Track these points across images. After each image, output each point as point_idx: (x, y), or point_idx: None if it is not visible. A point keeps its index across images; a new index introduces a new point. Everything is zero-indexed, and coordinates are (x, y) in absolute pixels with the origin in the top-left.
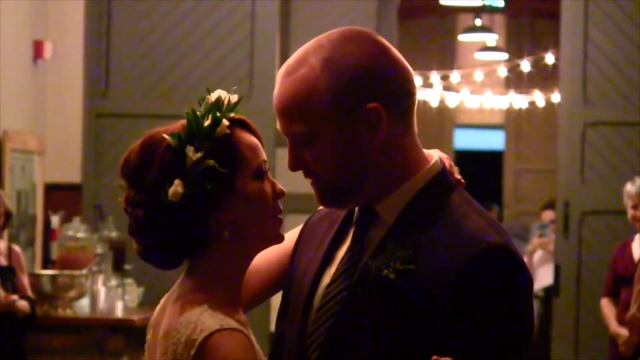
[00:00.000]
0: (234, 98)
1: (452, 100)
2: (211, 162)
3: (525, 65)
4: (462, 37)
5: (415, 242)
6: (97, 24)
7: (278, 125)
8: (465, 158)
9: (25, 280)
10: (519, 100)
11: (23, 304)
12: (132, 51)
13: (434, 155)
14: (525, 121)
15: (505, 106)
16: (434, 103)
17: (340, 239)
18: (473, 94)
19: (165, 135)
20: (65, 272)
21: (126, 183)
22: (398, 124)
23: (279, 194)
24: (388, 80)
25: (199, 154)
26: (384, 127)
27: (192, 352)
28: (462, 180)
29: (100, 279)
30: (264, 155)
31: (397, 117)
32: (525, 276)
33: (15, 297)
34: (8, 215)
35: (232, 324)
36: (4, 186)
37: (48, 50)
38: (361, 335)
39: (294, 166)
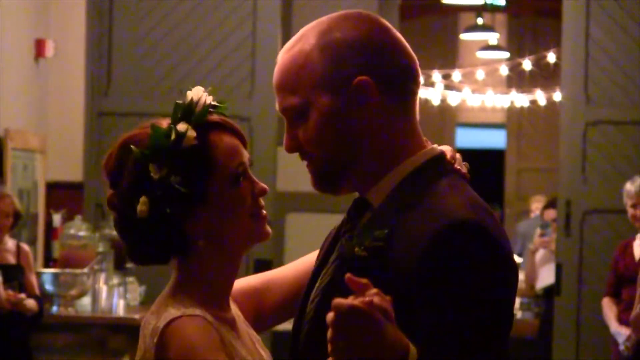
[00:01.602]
0: (209, 99)
1: (453, 99)
2: (177, 179)
3: (527, 64)
4: (464, 36)
5: (391, 224)
6: (98, 23)
7: (276, 105)
8: (466, 157)
9: (33, 278)
10: (520, 99)
11: (31, 303)
12: (134, 50)
13: (439, 147)
14: (527, 120)
15: (506, 105)
16: (436, 102)
17: (340, 233)
18: (475, 93)
19: (132, 147)
20: (67, 270)
21: (107, 182)
22: (392, 104)
23: (259, 193)
24: (383, 57)
25: (163, 172)
26: (374, 103)
27: (155, 340)
28: (463, 171)
29: (102, 278)
30: (241, 157)
31: (390, 96)
32: (495, 255)
33: (22, 295)
34: (17, 215)
35: (196, 311)
36: (5, 184)
37: (50, 48)
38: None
39: (289, 147)
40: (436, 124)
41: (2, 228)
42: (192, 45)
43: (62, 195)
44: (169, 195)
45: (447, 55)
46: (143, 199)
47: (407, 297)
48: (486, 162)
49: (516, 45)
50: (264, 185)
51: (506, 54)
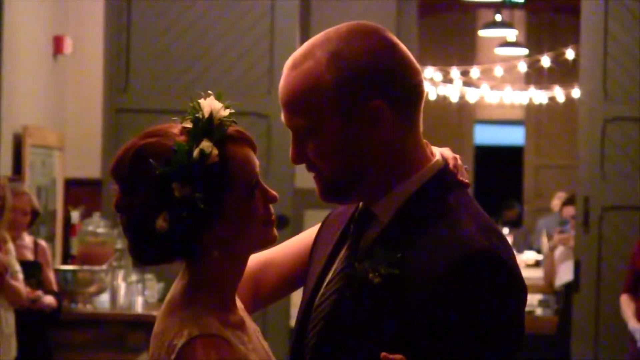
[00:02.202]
0: (224, 113)
1: (472, 96)
2: (199, 195)
3: (546, 61)
4: (482, 33)
5: (404, 246)
6: (117, 19)
7: (282, 117)
8: (485, 154)
9: (51, 275)
10: (539, 96)
11: (49, 299)
12: (152, 47)
13: (437, 154)
14: (546, 117)
15: (525, 102)
16: (454, 98)
17: (345, 237)
18: (493, 90)
19: (153, 163)
20: (85, 267)
21: (116, 185)
22: (402, 122)
23: (270, 200)
24: (394, 78)
25: (186, 190)
26: (386, 125)
27: (172, 357)
28: (466, 181)
29: (121, 275)
30: (255, 167)
31: (401, 115)
32: (511, 285)
33: (39, 292)
34: (35, 213)
35: (213, 329)
36: (24, 181)
37: (68, 45)
38: (350, 338)
39: (296, 159)
40: (455, 120)
41: (19, 225)
42: (211, 42)
43: (81, 192)
44: (191, 211)
45: (465, 52)
46: (164, 214)
47: (421, 325)
48: (505, 159)
49: (535, 41)
50: (275, 193)
51: (525, 51)
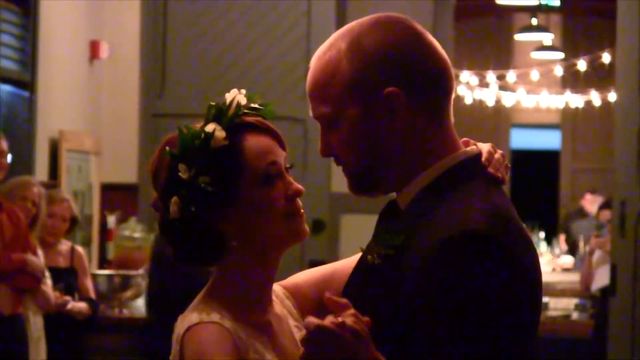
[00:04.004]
0: (243, 100)
1: (508, 100)
2: (206, 179)
3: (582, 65)
4: (519, 37)
5: (409, 230)
6: (153, 24)
7: (309, 111)
8: (521, 158)
9: (87, 281)
10: (575, 100)
11: (79, 306)
12: (189, 51)
13: (474, 146)
14: (582, 121)
15: (561, 105)
16: (490, 102)
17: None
18: (529, 94)
19: (166, 149)
20: (122, 272)
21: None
22: (423, 112)
23: (293, 194)
24: (413, 67)
25: (192, 171)
26: (403, 113)
27: (177, 348)
28: (497, 175)
29: None
30: (274, 157)
31: (420, 103)
32: (503, 270)
33: (68, 298)
34: (74, 220)
35: (214, 317)
36: (60, 186)
37: (104, 50)
38: (360, 311)
39: (323, 151)
40: (491, 124)
41: (57, 232)
42: (247, 46)
43: (117, 196)
44: (198, 195)
45: (501, 56)
46: (174, 199)
47: (412, 307)
48: (541, 163)
49: (571, 45)
50: (299, 186)
51: (561, 55)
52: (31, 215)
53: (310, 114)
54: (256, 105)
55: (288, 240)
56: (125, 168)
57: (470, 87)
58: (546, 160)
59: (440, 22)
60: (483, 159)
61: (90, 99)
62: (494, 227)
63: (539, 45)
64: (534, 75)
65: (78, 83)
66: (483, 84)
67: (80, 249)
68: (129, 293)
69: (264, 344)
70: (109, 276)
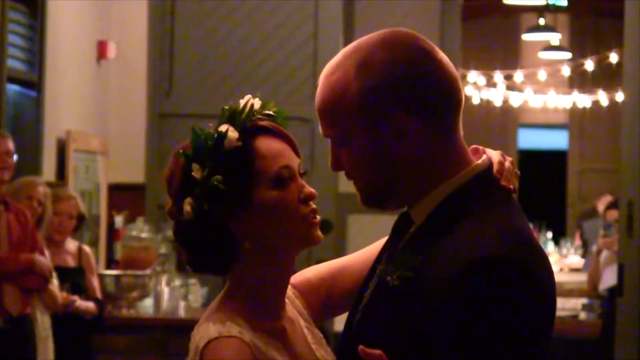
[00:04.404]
0: (257, 104)
1: (515, 100)
2: (219, 178)
3: (589, 65)
4: (526, 37)
5: (427, 249)
6: (160, 24)
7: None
8: (528, 158)
9: (94, 281)
10: (582, 100)
11: (87, 306)
12: (196, 51)
13: (484, 157)
14: (589, 121)
15: (569, 105)
16: (498, 102)
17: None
18: (537, 94)
19: (180, 151)
20: (129, 272)
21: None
22: (432, 130)
23: (306, 197)
24: (422, 85)
25: (205, 171)
26: (412, 138)
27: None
28: (510, 187)
29: (164, 279)
30: (287, 160)
31: (431, 123)
32: (526, 296)
33: (75, 297)
34: (81, 218)
35: (233, 332)
36: (67, 186)
37: (111, 50)
38: (376, 338)
39: (333, 166)
40: (498, 124)
41: (64, 230)
42: (254, 46)
43: (124, 196)
44: (211, 194)
45: (509, 55)
46: (188, 199)
47: (432, 331)
48: (548, 163)
49: (578, 45)
50: (312, 190)
51: (568, 55)
52: (37, 215)
53: (320, 131)
54: (270, 112)
55: (300, 244)
56: (132, 168)
57: (478, 87)
58: (553, 160)
59: (448, 22)
60: (495, 170)
61: (98, 99)
62: (514, 249)
63: (546, 45)
64: (542, 75)
65: (85, 83)
66: (490, 84)
67: (87, 248)
68: (136, 293)
69: (280, 351)
70: (117, 276)
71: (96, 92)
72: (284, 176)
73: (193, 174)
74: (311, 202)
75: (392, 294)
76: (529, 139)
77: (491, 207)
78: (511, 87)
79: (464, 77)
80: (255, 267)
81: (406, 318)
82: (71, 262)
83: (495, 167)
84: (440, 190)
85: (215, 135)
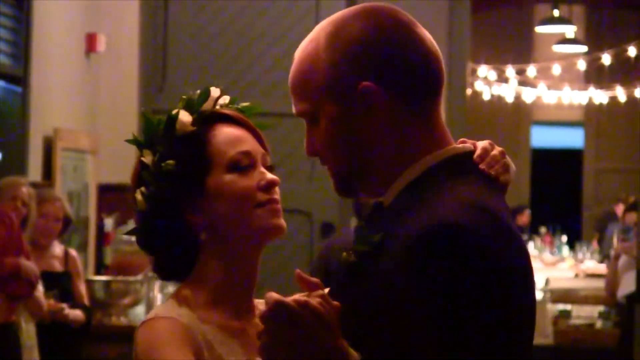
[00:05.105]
0: (216, 93)
1: (528, 96)
2: (170, 163)
3: (606, 59)
4: (540, 29)
5: (390, 226)
6: (153, 16)
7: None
8: (542, 157)
9: (82, 287)
10: (599, 96)
11: (75, 314)
12: (190, 44)
13: (469, 143)
14: (606, 118)
15: (584, 102)
16: (510, 99)
17: None
18: (551, 89)
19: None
20: (120, 277)
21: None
22: (402, 107)
23: (267, 184)
24: (394, 58)
25: (154, 157)
26: (381, 109)
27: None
28: (490, 172)
29: (157, 285)
30: (247, 147)
31: (400, 98)
32: (480, 263)
33: (63, 305)
34: (67, 221)
35: (172, 313)
36: (54, 187)
37: (101, 43)
38: (342, 321)
39: (307, 151)
40: (510, 122)
41: (50, 233)
42: (251, 39)
43: (115, 198)
44: (162, 181)
45: (521, 49)
46: (141, 189)
47: (390, 304)
48: (563, 163)
49: (595, 38)
50: (273, 177)
51: (584, 48)
52: (21, 216)
53: (293, 110)
54: (238, 107)
55: (261, 235)
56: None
57: (489, 83)
58: (568, 160)
59: (457, 13)
60: (476, 155)
61: (87, 95)
62: (472, 220)
63: (561, 38)
64: (556, 69)
65: (74, 78)
66: (502, 79)
67: (74, 252)
68: (127, 300)
69: (233, 349)
70: (107, 282)
71: (85, 88)
72: (241, 162)
73: (143, 159)
74: (273, 191)
75: (351, 271)
76: (543, 137)
77: (462, 185)
78: (524, 83)
79: (473, 71)
80: (213, 260)
81: (365, 293)
82: (58, 266)
83: (478, 151)
84: (411, 171)
85: (165, 121)
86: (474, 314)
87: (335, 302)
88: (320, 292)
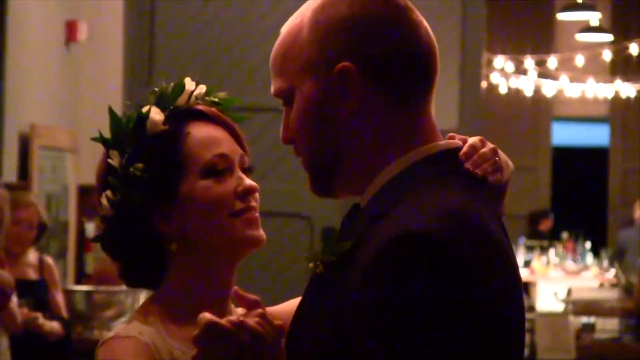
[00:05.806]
0: (191, 86)
1: (549, 89)
2: (139, 166)
3: (634, 48)
4: (561, 16)
5: (362, 233)
6: (138, 2)
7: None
8: (564, 156)
9: (59, 297)
10: (626, 89)
11: (51, 325)
12: (179, 33)
13: (455, 140)
14: (634, 113)
15: (610, 96)
16: (529, 92)
17: None
18: (573, 82)
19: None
20: (102, 288)
21: None
22: (384, 94)
23: (244, 191)
24: (377, 40)
25: (122, 159)
26: (358, 92)
27: None
28: (476, 171)
29: (142, 296)
30: (223, 149)
31: (383, 85)
32: (446, 274)
33: (37, 314)
34: (42, 227)
35: (132, 332)
36: (31, 188)
37: (82, 31)
38: (305, 330)
39: (282, 137)
40: (529, 117)
41: (24, 240)
42: (245, 29)
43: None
44: (130, 185)
45: (541, 38)
46: (107, 192)
47: (350, 317)
48: (587, 162)
49: (621, 26)
50: (252, 183)
51: (610, 37)
52: None
53: (272, 90)
54: (215, 99)
55: (236, 247)
56: None
57: (506, 75)
58: (593, 159)
59: (471, 0)
60: (461, 152)
61: (66, 88)
62: (440, 228)
63: (584, 26)
64: (579, 60)
65: (53, 69)
66: (520, 70)
67: (49, 259)
68: (110, 312)
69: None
70: (88, 292)
71: (65, 80)
72: (217, 166)
73: (110, 161)
74: (252, 198)
75: (318, 283)
76: (565, 135)
77: (440, 188)
78: (544, 75)
79: (489, 62)
80: (184, 272)
81: (328, 306)
82: (32, 274)
83: (465, 149)
84: (388, 171)
85: (136, 118)
86: (428, 341)
87: (277, 322)
88: (259, 310)
